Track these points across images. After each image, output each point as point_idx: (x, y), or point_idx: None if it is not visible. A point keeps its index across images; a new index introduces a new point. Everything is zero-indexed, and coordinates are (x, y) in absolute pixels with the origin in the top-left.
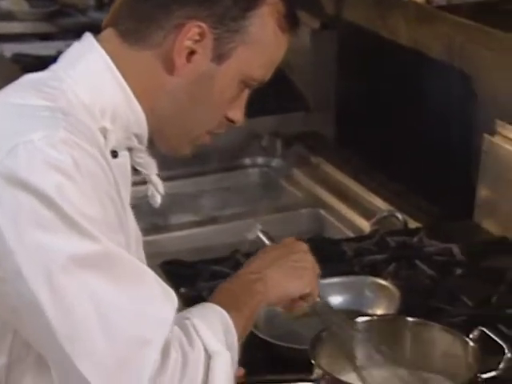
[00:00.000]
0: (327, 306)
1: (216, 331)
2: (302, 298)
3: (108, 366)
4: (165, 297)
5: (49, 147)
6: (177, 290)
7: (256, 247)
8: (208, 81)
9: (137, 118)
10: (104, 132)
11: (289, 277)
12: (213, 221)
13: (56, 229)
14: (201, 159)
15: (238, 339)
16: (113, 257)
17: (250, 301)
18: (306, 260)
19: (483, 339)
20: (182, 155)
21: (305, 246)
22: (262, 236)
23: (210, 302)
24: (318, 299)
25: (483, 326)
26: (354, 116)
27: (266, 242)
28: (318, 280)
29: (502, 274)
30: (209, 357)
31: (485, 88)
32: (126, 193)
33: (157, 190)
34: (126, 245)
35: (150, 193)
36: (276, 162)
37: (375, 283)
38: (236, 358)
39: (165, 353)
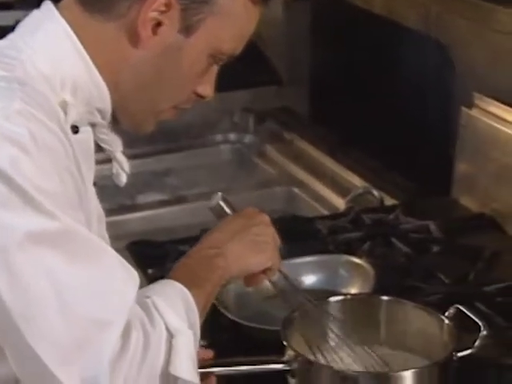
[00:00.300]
0: (290, 282)
1: (177, 309)
2: (264, 271)
3: (65, 347)
4: (126, 276)
5: (3, 119)
6: (144, 271)
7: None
8: (175, 54)
9: (99, 92)
10: (64, 106)
11: (250, 251)
12: (181, 200)
13: (10, 204)
14: (169, 136)
15: (200, 316)
16: (71, 234)
17: (211, 276)
18: (267, 233)
19: (459, 317)
20: (145, 131)
21: (266, 218)
22: (223, 204)
23: (170, 278)
24: (278, 273)
25: (459, 304)
26: (329, 90)
27: (228, 210)
28: (279, 253)
29: (479, 251)
30: (171, 336)
31: (462, 58)
32: (89, 170)
33: (122, 168)
34: (87, 223)
35: (114, 171)
36: (248, 139)
37: (350, 262)
38: (198, 336)
39: (126, 333)
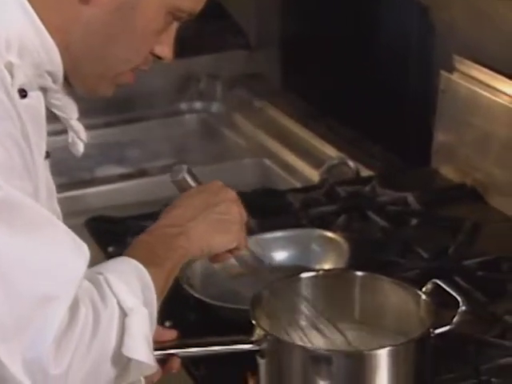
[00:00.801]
0: (259, 259)
1: (132, 287)
2: (229, 251)
3: (7, 326)
4: (76, 250)
5: None
6: (104, 248)
7: None
8: (129, 11)
9: (49, 54)
10: (10, 68)
11: (214, 231)
12: (143, 173)
13: None
14: (130, 105)
15: (158, 297)
16: (14, 204)
17: (171, 256)
18: (233, 211)
19: (437, 293)
20: (102, 96)
21: (232, 195)
22: (188, 178)
23: (127, 255)
24: (245, 251)
25: (439, 279)
26: (302, 54)
27: (193, 185)
28: (245, 232)
29: (459, 223)
30: (124, 314)
31: (443, 20)
32: (39, 139)
33: (78, 136)
34: (34, 194)
35: (70, 140)
36: (215, 107)
37: (323, 236)
38: (155, 316)
39: (73, 310)
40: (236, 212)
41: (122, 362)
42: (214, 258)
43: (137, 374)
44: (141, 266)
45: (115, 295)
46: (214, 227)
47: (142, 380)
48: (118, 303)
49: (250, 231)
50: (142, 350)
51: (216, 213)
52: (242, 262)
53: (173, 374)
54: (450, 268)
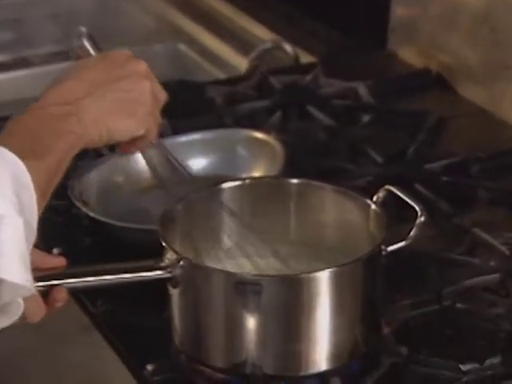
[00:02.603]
0: (173, 164)
1: (2, 187)
2: (135, 141)
3: None
4: None
5: None
6: None
7: None
8: None
9: None
10: None
11: (115, 112)
12: (26, 63)
13: None
14: None
15: (40, 200)
16: None
17: (57, 144)
18: (142, 89)
19: (392, 202)
20: None
21: (143, 67)
22: (87, 45)
23: None
24: (157, 148)
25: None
26: None
27: (93, 54)
28: (158, 117)
29: (421, 118)
30: None
31: None
32: None
33: None
34: None
35: None
36: None
37: (252, 138)
38: (34, 223)
39: None
40: (146, 90)
41: None
42: (120, 148)
43: (10, 295)
44: (15, 159)
45: None
46: (115, 107)
47: (21, 303)
48: None
49: (162, 133)
50: (15, 269)
51: (119, 89)
52: (152, 165)
53: (61, 308)
54: (409, 173)
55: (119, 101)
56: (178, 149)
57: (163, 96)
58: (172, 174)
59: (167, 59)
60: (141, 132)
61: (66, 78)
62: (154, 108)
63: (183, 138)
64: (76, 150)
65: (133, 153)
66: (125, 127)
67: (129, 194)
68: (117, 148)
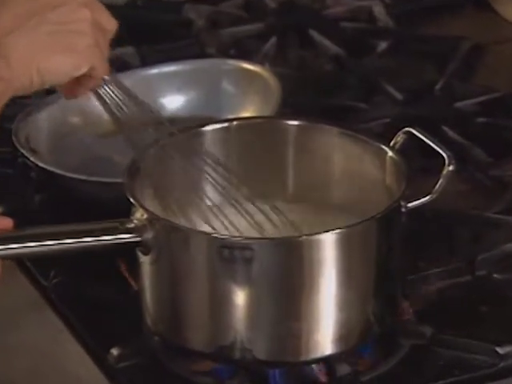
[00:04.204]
0: (135, 103)
1: None
2: (79, 80)
3: None
4: None
5: None
6: None
7: None
8: None
9: None
10: None
11: (48, 49)
12: None
13: None
14: None
15: None
16: None
17: None
18: (81, 18)
19: (414, 148)
20: None
21: None
22: None
23: None
24: (106, 79)
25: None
26: None
27: None
28: (104, 50)
29: (452, 45)
30: None
31: None
32: None
33: None
34: None
35: None
36: None
37: (240, 71)
38: None
39: None
40: (85, 19)
41: None
42: (64, 91)
43: None
44: None
45: None
46: (47, 43)
47: None
48: None
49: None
50: None
51: (51, 21)
52: (108, 108)
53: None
54: (437, 113)
55: (52, 34)
56: (148, 83)
57: (112, 25)
58: (138, 116)
59: None
60: (83, 70)
61: None
62: (100, 40)
63: (154, 71)
64: (4, 100)
65: (79, 96)
66: (61, 66)
67: (87, 139)
68: (59, 92)
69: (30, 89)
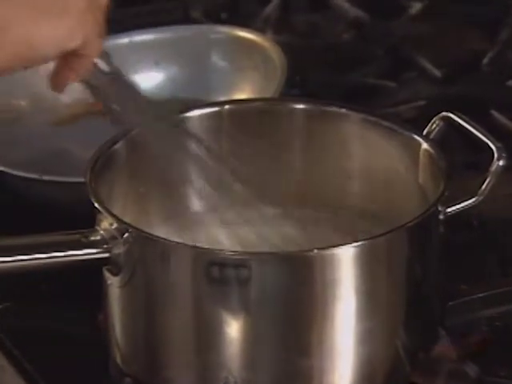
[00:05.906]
0: (121, 79)
1: None
2: (71, 60)
3: None
4: None
5: None
6: None
7: None
8: None
9: None
10: None
11: (34, 16)
12: None
13: None
14: None
15: None
16: None
17: None
18: None
19: (454, 139)
20: None
21: None
22: None
23: None
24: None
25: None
26: None
27: None
28: (98, 24)
29: (504, 9)
30: None
31: None
32: None
33: None
34: None
35: None
36: None
37: (235, 40)
38: None
39: None
40: None
41: None
42: (52, 80)
43: None
44: None
45: None
46: (36, 9)
47: None
48: None
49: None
50: None
51: None
52: (95, 90)
53: None
54: (484, 94)
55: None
56: (118, 56)
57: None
58: (121, 93)
59: None
60: (74, 43)
61: None
62: (95, 7)
63: (125, 40)
64: None
65: (69, 84)
66: (51, 34)
67: (38, 127)
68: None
69: (10, 68)
